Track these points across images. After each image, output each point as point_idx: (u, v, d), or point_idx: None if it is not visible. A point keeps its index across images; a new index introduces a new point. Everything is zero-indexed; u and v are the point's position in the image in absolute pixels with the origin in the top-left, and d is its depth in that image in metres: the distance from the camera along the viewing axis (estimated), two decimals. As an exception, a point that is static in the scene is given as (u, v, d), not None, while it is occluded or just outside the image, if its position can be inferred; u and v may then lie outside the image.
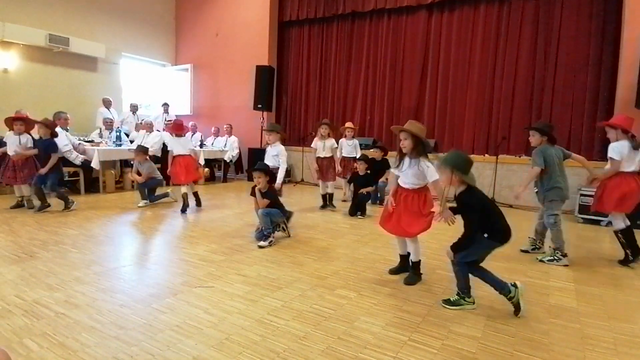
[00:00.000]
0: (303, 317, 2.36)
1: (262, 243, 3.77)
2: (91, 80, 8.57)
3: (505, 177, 6.66)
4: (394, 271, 3.18)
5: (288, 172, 8.89)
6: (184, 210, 5.24)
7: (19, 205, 5.19)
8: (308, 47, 9.09)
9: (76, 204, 5.24)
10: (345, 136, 6.31)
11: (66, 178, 6.40)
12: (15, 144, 4.96)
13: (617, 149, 3.47)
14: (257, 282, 2.88)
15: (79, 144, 6.48)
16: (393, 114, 7.94)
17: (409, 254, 3.10)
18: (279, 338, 2.10)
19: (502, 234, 2.45)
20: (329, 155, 5.80)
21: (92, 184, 6.59)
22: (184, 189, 5.29)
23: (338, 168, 5.97)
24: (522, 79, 6.80)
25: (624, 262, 3.60)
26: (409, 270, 3.10)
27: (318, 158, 5.81)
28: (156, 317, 2.30)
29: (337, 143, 6.04)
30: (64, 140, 5.94)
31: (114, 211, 5.24)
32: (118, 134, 7.14)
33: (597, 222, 5.34)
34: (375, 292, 2.79)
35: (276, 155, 4.44)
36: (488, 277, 2.51)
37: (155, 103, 10.29)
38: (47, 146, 5.04)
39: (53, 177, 5.06)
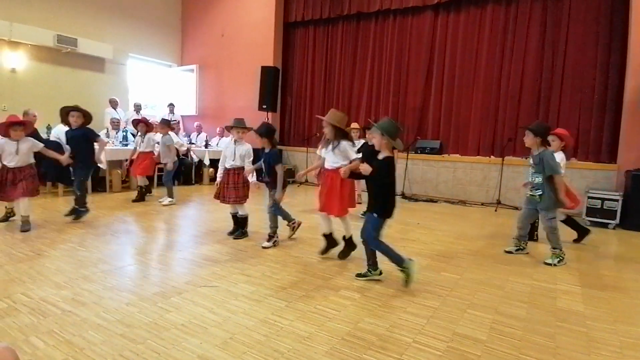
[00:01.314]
0: (307, 317, 2.37)
1: (265, 244, 3.78)
2: (98, 81, 8.64)
3: (511, 179, 6.62)
4: (323, 251, 3.54)
5: (292, 173, 8.94)
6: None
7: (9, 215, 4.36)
8: (313, 48, 9.11)
9: (86, 215, 4.54)
10: None
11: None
12: (14, 150, 3.95)
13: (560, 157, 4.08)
14: (261, 282, 2.89)
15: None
16: (398, 114, 7.91)
17: (331, 233, 3.53)
18: (283, 338, 2.11)
19: (393, 210, 2.85)
20: None
21: (99, 183, 6.66)
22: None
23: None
24: (529, 80, 6.76)
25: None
26: (334, 246, 3.55)
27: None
28: (162, 315, 2.31)
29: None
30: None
31: (121, 210, 5.27)
32: (125, 134, 7.21)
33: (605, 225, 5.30)
34: (380, 293, 2.78)
35: (244, 154, 4.04)
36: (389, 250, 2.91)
37: (161, 103, 10.34)
38: (84, 135, 4.43)
39: (83, 174, 4.49)
